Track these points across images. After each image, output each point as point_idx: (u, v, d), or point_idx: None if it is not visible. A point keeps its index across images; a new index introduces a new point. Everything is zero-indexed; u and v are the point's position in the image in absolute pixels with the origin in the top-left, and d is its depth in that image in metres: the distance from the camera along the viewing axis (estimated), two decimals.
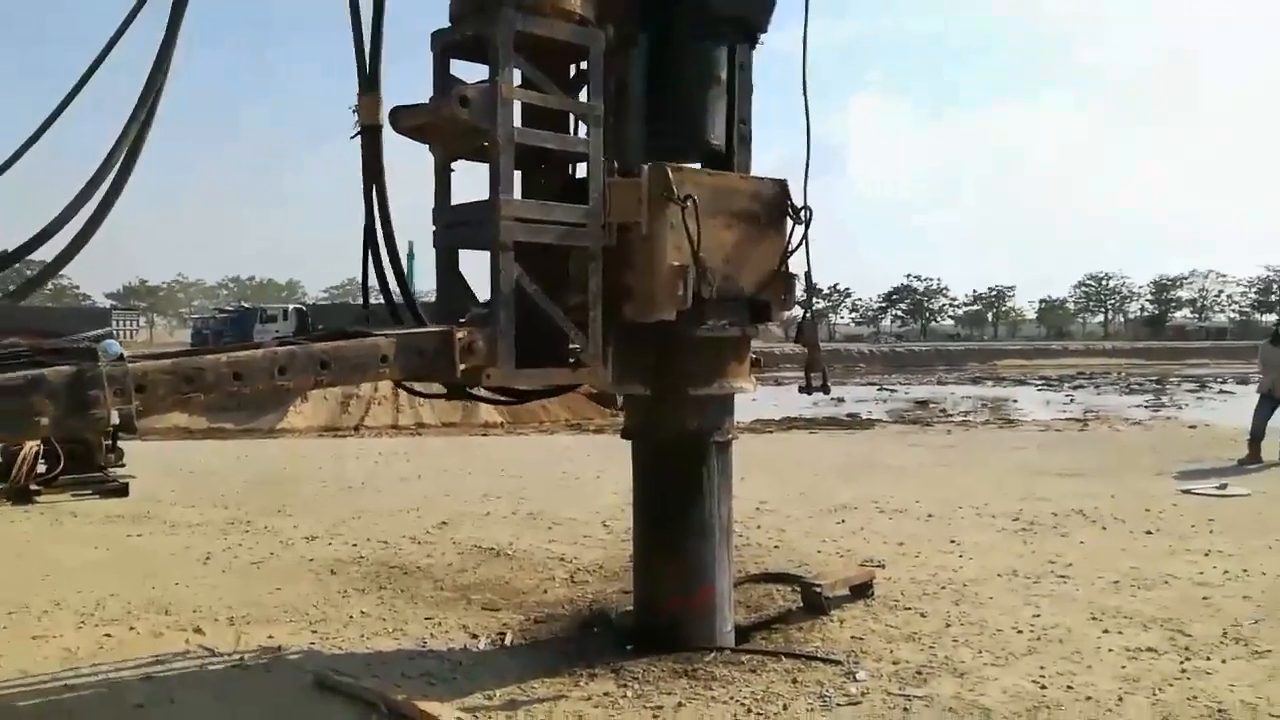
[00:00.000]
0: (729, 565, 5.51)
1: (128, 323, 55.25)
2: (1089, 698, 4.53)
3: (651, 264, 4.96)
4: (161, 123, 4.22)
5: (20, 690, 4.77)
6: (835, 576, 6.35)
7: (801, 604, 6.04)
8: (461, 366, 4.42)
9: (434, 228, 5.03)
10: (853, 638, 5.48)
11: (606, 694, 4.65)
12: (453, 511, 9.65)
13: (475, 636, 5.64)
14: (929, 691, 4.63)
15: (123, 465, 11.93)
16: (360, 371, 4.19)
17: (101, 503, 10.56)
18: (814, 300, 5.61)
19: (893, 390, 42.35)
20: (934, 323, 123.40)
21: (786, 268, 5.44)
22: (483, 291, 4.83)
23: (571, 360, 5.00)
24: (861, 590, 6.37)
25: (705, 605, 5.33)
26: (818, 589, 6.02)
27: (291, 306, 45.56)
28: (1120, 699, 4.51)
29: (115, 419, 3.59)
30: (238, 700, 4.64)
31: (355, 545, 8.08)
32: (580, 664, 5.05)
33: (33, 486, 10.73)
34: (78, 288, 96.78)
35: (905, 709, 4.42)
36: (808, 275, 5.50)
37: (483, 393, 5.54)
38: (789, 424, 22.18)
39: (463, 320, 4.69)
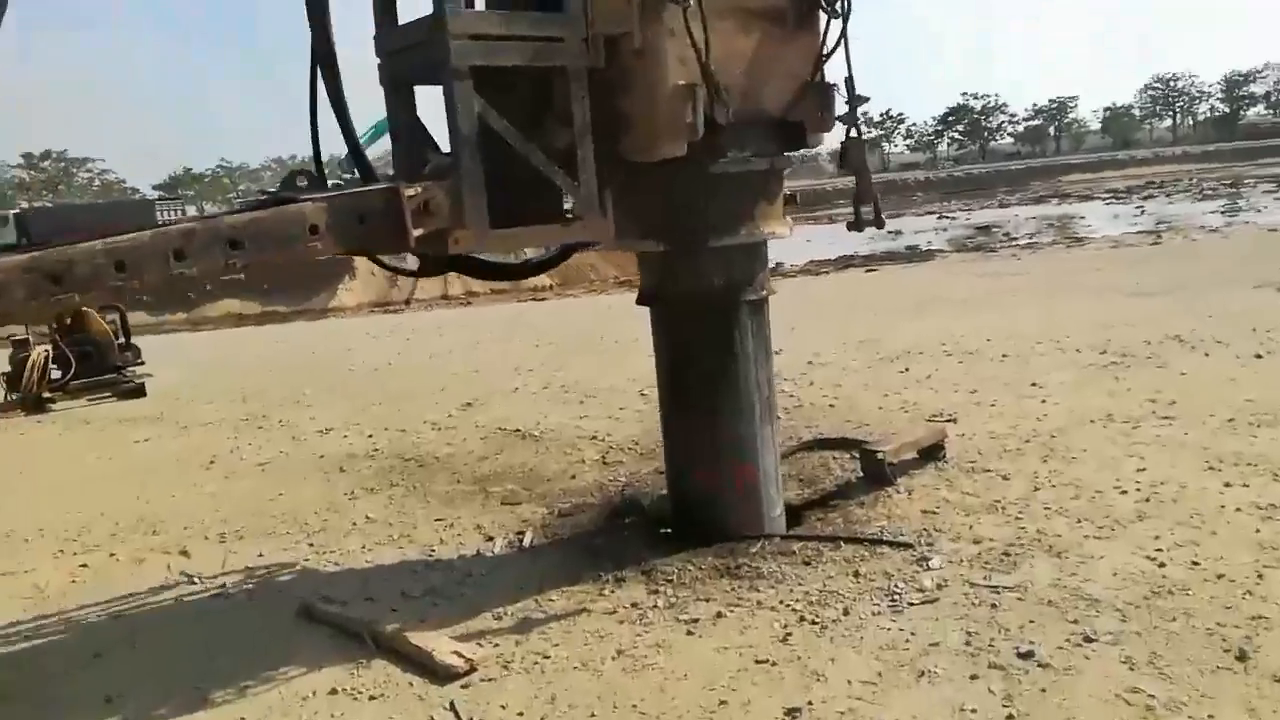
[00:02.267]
0: (773, 439, 4.69)
1: (173, 212, 54.92)
2: (1220, 575, 3.69)
3: (650, 85, 4.00)
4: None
5: None
6: (900, 439, 5.51)
7: (862, 474, 5.26)
8: (417, 232, 3.56)
9: (376, 60, 4.09)
10: (924, 512, 4.68)
11: (635, 604, 3.95)
12: (480, 390, 8.93)
13: (490, 539, 4.96)
14: (1020, 579, 3.83)
15: (140, 364, 11.44)
16: (283, 247, 3.33)
17: (118, 405, 10.07)
18: (859, 115, 4.59)
19: (953, 218, 40.70)
20: (993, 142, 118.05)
21: (822, 77, 4.42)
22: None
23: (567, 214, 4.13)
24: (931, 452, 5.54)
25: (747, 487, 4.55)
26: (880, 455, 5.21)
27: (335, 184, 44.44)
28: (1260, 576, 3.67)
29: None
30: (210, 638, 4.01)
31: (371, 436, 7.43)
32: (608, 564, 4.36)
33: (46, 394, 10.27)
34: (124, 181, 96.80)
35: (993, 604, 3.64)
36: (849, 84, 4.47)
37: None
38: (845, 263, 21.10)
39: (419, 175, 3.82)
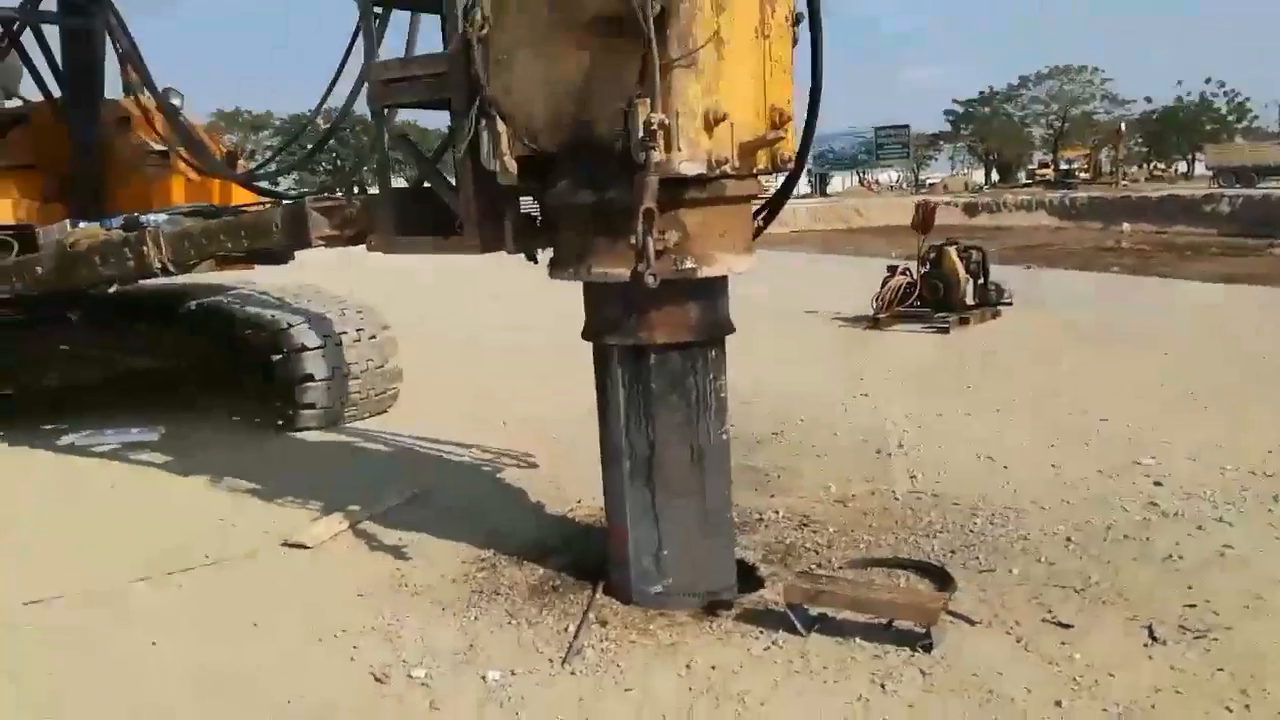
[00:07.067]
0: (652, 507, 4.10)
1: None
2: None
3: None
4: None
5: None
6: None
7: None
8: (323, 233, 4.78)
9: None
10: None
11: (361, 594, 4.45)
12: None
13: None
14: None
15: (1005, 303, 11.81)
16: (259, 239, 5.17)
17: (911, 338, 10.72)
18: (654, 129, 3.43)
19: None
20: None
21: (649, 90, 3.40)
22: None
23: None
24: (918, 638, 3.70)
25: (615, 546, 4.28)
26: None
27: None
28: None
29: None
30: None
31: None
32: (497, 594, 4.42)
33: (883, 314, 11.39)
34: None
35: None
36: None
37: None
38: None
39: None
